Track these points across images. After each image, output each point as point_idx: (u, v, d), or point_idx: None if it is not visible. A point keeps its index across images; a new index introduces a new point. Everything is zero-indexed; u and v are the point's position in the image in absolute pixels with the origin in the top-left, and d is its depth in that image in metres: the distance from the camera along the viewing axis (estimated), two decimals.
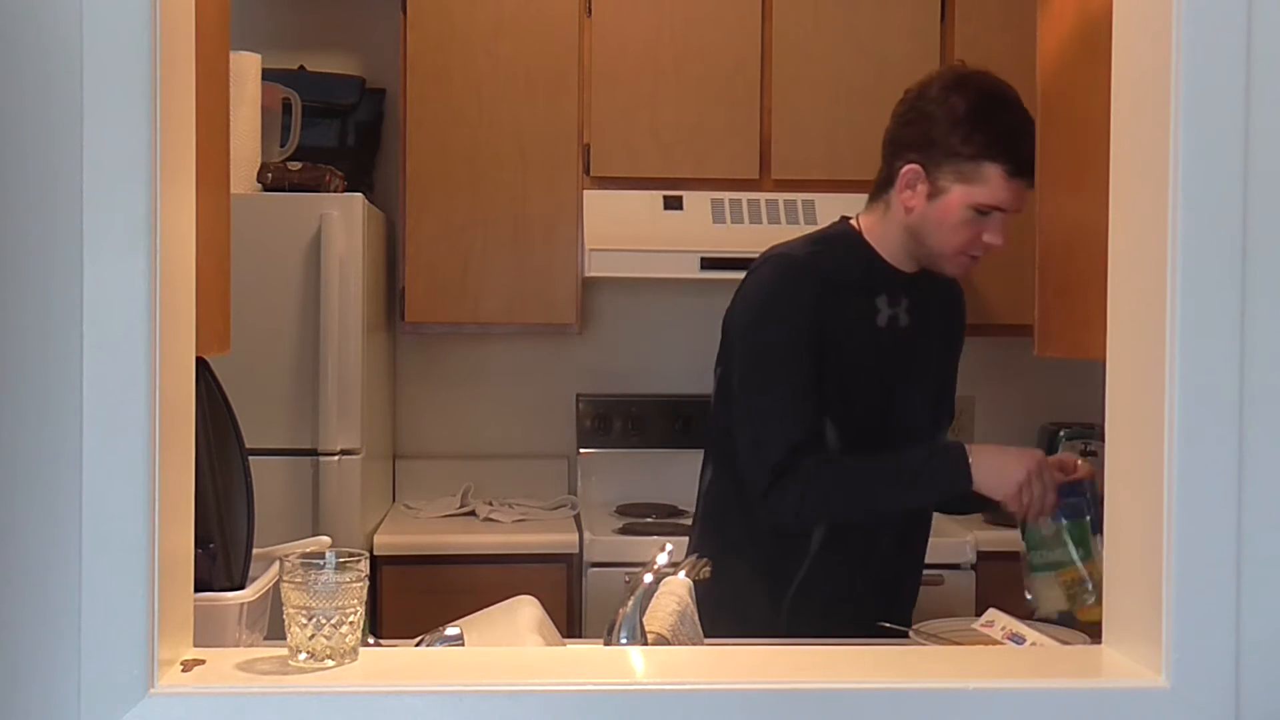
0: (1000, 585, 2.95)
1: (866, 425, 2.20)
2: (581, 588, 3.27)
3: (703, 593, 1.92)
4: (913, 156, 2.16)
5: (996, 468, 2.07)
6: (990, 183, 2.10)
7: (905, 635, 2.01)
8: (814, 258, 2.22)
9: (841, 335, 2.17)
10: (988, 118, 2.11)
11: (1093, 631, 1.49)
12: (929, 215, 2.16)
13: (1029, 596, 2.09)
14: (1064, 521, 2.03)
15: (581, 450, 3.82)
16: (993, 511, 2.39)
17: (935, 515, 2.42)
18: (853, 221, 2.29)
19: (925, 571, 2.40)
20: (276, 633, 1.44)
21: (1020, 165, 2.11)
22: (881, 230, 2.24)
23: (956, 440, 2.20)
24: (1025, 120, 2.13)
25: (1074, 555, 2.02)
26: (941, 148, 2.13)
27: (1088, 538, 2.01)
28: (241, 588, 1.66)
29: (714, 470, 2.32)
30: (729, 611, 2.07)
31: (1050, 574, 2.05)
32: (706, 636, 1.89)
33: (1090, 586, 1.98)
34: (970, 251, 2.17)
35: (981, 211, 2.12)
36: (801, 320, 2.15)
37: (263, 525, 1.74)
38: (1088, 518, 2.01)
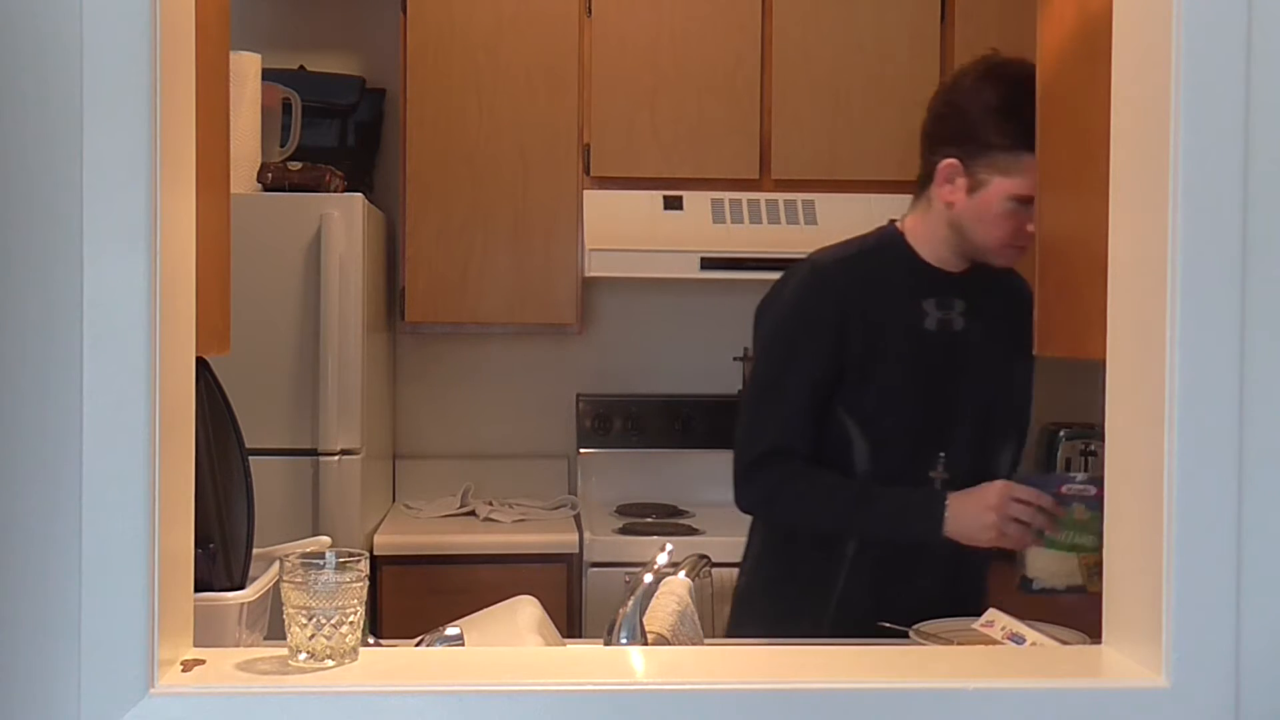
0: (1000, 585, 2.95)
1: (907, 427, 2.19)
2: (581, 588, 3.27)
3: (746, 603, 1.92)
4: (950, 151, 2.15)
5: (967, 517, 2.07)
6: (1028, 173, 2.07)
7: (905, 635, 2.01)
8: (847, 266, 2.22)
9: (881, 341, 2.16)
10: (1020, 108, 2.07)
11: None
12: (969, 209, 2.15)
13: (1029, 573, 2.09)
14: (1098, 511, 2.03)
15: (581, 450, 3.82)
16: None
17: None
18: (898, 224, 2.28)
19: None
20: (276, 633, 1.44)
21: None
22: (925, 229, 2.23)
23: (938, 489, 2.15)
24: None
25: (1099, 543, 2.04)
26: (978, 141, 2.12)
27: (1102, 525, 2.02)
28: (241, 588, 1.66)
29: None
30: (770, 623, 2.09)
31: (1071, 554, 2.06)
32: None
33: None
34: (1016, 243, 2.15)
35: (1022, 201, 2.10)
36: (820, 334, 2.16)
37: (263, 525, 1.74)
38: None
